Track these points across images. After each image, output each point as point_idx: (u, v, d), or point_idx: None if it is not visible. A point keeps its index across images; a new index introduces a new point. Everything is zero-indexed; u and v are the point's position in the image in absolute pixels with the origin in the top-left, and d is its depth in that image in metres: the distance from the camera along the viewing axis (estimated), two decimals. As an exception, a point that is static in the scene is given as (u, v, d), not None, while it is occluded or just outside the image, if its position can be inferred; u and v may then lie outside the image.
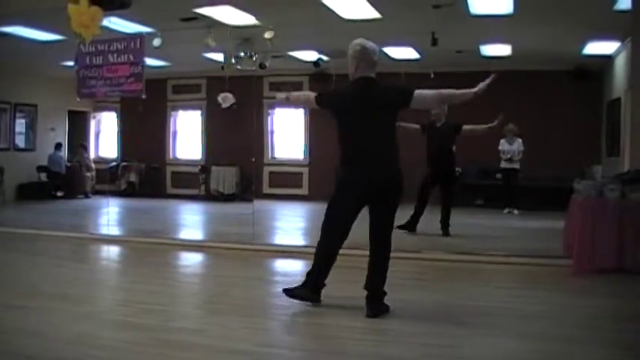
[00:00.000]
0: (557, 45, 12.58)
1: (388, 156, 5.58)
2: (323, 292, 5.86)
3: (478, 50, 13.58)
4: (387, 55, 14.37)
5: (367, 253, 6.72)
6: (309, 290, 5.78)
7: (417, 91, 5.57)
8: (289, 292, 5.83)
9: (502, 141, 14.23)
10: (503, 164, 14.31)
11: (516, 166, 14.20)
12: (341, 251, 7.39)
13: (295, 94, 6.50)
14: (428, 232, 9.76)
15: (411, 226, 10.75)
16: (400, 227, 10.68)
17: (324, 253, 5.81)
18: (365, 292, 5.64)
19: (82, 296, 6.28)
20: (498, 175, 14.62)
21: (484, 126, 10.50)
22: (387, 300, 5.63)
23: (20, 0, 9.88)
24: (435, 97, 5.75)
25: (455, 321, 5.37)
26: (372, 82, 5.72)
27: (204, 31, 11.16)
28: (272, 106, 18.67)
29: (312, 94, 6.09)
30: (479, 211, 14.68)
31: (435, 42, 10.00)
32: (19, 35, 12.42)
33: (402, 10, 10.30)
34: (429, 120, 10.88)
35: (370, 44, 5.79)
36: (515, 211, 14.08)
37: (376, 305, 5.54)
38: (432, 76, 10.49)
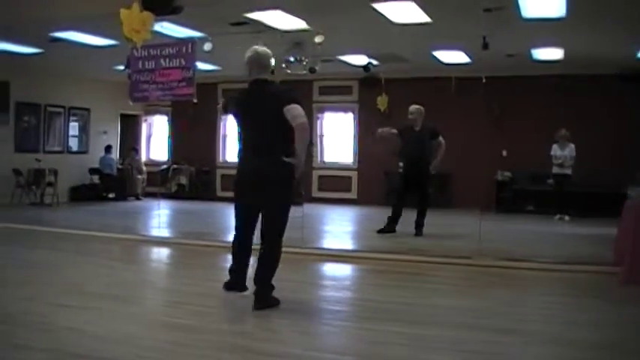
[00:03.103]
0: (611, 48, 12.36)
1: (270, 152, 5.68)
2: (367, 296, 5.89)
3: (529, 54, 13.43)
4: (437, 59, 14.30)
5: (406, 257, 6.64)
6: (232, 282, 6.07)
7: (293, 105, 5.63)
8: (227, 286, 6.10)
9: (554, 146, 14.03)
10: (555, 169, 14.09)
11: (568, 171, 13.97)
12: (381, 255, 7.45)
13: None
14: (484, 239, 9.62)
15: (389, 227, 10.96)
16: (379, 231, 10.83)
17: (234, 248, 6.08)
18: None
19: (131, 297, 6.36)
20: (549, 181, 14.43)
21: (442, 149, 10.86)
22: (437, 305, 5.61)
23: (73, 6, 10.04)
24: (299, 123, 5.62)
25: (499, 328, 5.30)
26: (262, 83, 5.88)
27: (255, 35, 11.21)
28: (321, 110, 18.72)
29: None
30: (529, 217, 14.52)
31: (486, 46, 9.88)
32: (73, 40, 12.63)
33: (452, 14, 10.22)
34: (405, 124, 11.11)
35: (262, 49, 5.99)
36: (567, 218, 13.87)
37: (261, 298, 5.78)
38: (484, 80, 10.38)
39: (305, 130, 5.63)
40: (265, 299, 5.77)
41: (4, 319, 5.26)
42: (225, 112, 6.28)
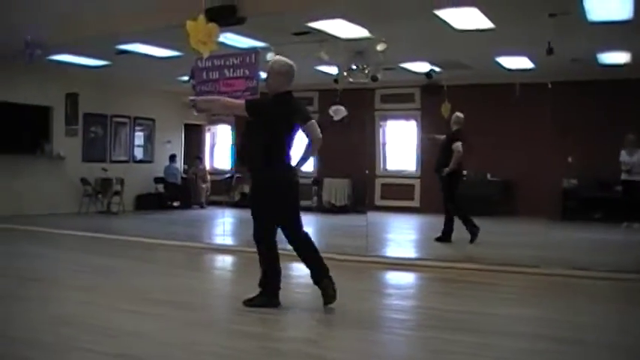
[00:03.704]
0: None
1: (290, 160, 6.11)
2: (431, 305, 6.10)
3: (595, 58, 13.18)
4: (500, 65, 14.15)
5: (470, 266, 6.58)
6: (266, 297, 6.14)
7: (313, 121, 6.15)
8: (249, 303, 6.13)
9: (622, 152, 13.74)
10: (624, 176, 13.79)
11: (637, 178, 13.66)
12: (445, 264, 7.44)
13: (209, 97, 6.87)
14: (549, 247, 9.46)
15: (444, 237, 10.91)
16: (437, 239, 10.71)
17: (265, 259, 6.27)
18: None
19: (195, 304, 6.43)
20: (618, 188, 14.13)
21: (455, 157, 10.66)
22: (501, 314, 5.67)
23: (141, 19, 10.24)
24: (320, 138, 6.17)
25: (562, 337, 5.20)
26: (292, 95, 6.20)
27: (317, 44, 11.26)
28: (384, 118, 18.68)
29: (242, 101, 6.44)
30: (596, 225, 14.21)
31: (550, 51, 9.75)
32: (138, 52, 12.88)
33: (516, 19, 10.10)
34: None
35: (291, 61, 6.21)
36: (636, 225, 13.55)
37: (332, 288, 6.01)
38: (550, 86, 10.23)
39: (320, 144, 6.16)
40: (335, 287, 6.00)
41: (70, 322, 5.38)
42: (251, 114, 6.12)
